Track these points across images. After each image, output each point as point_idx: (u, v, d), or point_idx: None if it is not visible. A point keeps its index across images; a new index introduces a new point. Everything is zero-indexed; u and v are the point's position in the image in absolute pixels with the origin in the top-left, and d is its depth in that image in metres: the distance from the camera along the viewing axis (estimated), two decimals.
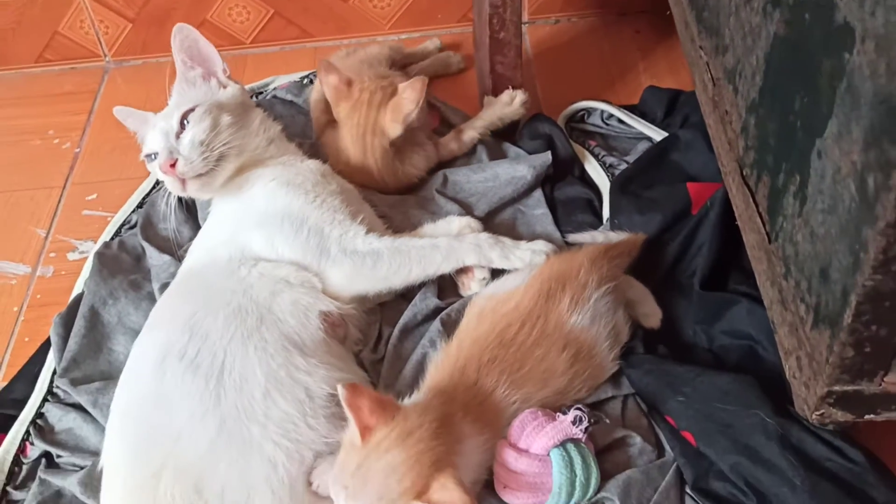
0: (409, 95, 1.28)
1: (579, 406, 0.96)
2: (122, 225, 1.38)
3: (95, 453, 1.03)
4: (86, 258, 1.32)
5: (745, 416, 0.95)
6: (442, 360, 1.03)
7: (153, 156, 1.14)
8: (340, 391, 0.89)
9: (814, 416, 0.85)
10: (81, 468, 1.05)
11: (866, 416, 0.84)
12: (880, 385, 0.80)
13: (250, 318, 1.03)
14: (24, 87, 1.73)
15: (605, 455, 1.00)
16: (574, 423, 0.95)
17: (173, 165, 1.10)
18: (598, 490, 0.95)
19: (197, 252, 1.17)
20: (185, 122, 1.13)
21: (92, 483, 1.00)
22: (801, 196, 0.83)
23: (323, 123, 1.38)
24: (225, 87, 1.21)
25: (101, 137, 1.60)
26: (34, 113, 1.66)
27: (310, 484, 0.94)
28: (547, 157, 1.33)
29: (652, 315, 1.14)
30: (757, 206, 0.98)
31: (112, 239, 1.34)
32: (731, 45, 1.05)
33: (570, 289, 1.05)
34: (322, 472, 0.94)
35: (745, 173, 1.02)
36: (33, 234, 1.43)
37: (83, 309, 1.20)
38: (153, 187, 1.43)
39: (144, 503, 0.90)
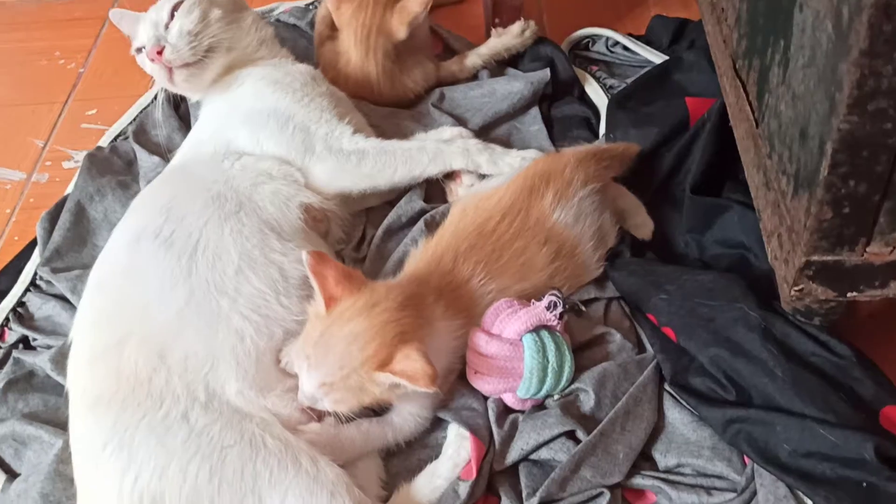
0: None
1: (555, 291, 0.93)
2: (118, 135, 1.38)
3: None
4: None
5: (728, 309, 0.92)
6: (421, 252, 1.01)
7: (143, 49, 1.14)
8: (304, 257, 0.87)
9: (793, 293, 0.81)
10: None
11: (848, 294, 0.80)
12: (862, 255, 0.76)
13: (229, 203, 1.02)
14: (35, 13, 1.74)
15: (584, 351, 0.97)
16: (549, 308, 0.92)
17: (160, 53, 1.10)
18: (573, 381, 0.92)
19: (184, 149, 1.16)
20: (175, 13, 1.12)
21: (63, 361, 0.99)
22: (784, 61, 0.80)
23: (325, 37, 1.37)
24: None
25: (105, 60, 1.61)
26: (43, 36, 1.68)
27: (279, 361, 0.92)
28: (545, 73, 1.30)
29: (643, 226, 1.11)
30: (747, 95, 0.95)
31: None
32: None
33: (553, 185, 1.03)
34: (290, 349, 0.92)
35: (737, 66, 0.99)
36: (32, 144, 1.44)
37: (69, 204, 1.20)
38: (150, 102, 1.42)
39: (108, 368, 0.89)
